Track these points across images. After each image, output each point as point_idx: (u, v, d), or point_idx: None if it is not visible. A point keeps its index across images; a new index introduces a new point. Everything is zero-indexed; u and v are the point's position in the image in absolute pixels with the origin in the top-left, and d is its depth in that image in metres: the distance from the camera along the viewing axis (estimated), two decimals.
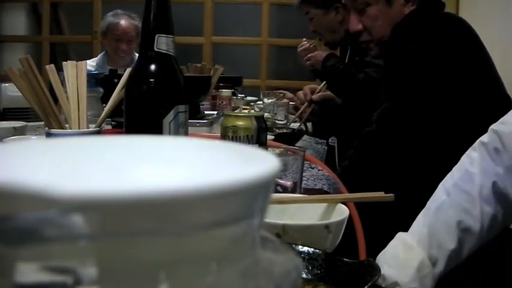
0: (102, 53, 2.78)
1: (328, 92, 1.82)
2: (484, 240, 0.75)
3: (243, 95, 2.58)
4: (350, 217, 0.62)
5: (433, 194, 0.79)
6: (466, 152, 0.81)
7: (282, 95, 2.05)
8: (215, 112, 1.84)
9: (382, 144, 1.19)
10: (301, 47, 2.06)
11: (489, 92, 1.21)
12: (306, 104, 1.81)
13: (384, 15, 1.32)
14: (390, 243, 0.74)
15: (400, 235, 0.75)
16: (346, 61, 2.01)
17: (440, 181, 1.15)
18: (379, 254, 0.73)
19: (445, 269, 0.72)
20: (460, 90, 1.17)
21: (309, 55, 1.99)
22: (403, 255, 0.70)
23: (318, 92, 1.81)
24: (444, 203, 0.75)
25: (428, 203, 0.78)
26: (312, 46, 2.04)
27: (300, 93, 1.86)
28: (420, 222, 0.75)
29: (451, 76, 1.16)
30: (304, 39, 2.09)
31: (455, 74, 1.17)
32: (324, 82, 1.82)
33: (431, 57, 1.16)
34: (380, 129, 1.19)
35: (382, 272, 0.69)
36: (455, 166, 0.81)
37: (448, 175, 0.80)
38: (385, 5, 1.31)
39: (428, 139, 1.18)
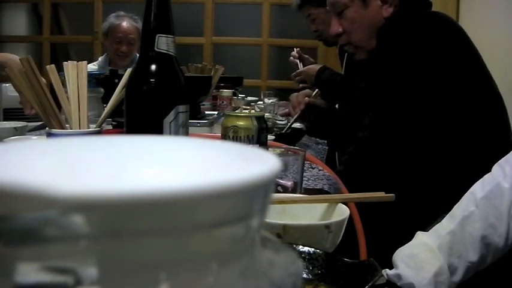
0: (104, 55, 2.78)
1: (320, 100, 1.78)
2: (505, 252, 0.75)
3: (244, 95, 2.58)
4: (350, 217, 0.62)
5: (461, 200, 0.78)
6: (500, 162, 0.80)
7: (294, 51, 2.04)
8: (216, 112, 1.84)
9: (377, 149, 1.19)
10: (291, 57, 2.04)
11: (482, 92, 1.20)
12: (298, 112, 1.73)
13: (361, 17, 1.31)
14: (409, 243, 0.73)
15: (419, 235, 0.74)
16: (344, 63, 2.00)
17: (438, 180, 1.15)
18: (396, 252, 0.72)
19: (462, 279, 0.72)
20: (452, 92, 1.16)
21: (298, 70, 1.95)
22: (422, 256, 0.70)
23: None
24: (472, 214, 0.74)
25: (454, 209, 0.77)
26: (298, 53, 2.00)
27: (294, 97, 1.79)
28: (444, 228, 0.74)
29: (443, 78, 1.15)
30: (293, 52, 2.07)
31: (448, 76, 1.16)
32: (317, 90, 1.76)
33: (422, 60, 1.15)
34: (373, 134, 1.19)
35: (397, 270, 0.69)
36: (487, 175, 0.79)
37: (478, 183, 0.79)
38: (361, 6, 1.31)
39: (423, 140, 1.18)
